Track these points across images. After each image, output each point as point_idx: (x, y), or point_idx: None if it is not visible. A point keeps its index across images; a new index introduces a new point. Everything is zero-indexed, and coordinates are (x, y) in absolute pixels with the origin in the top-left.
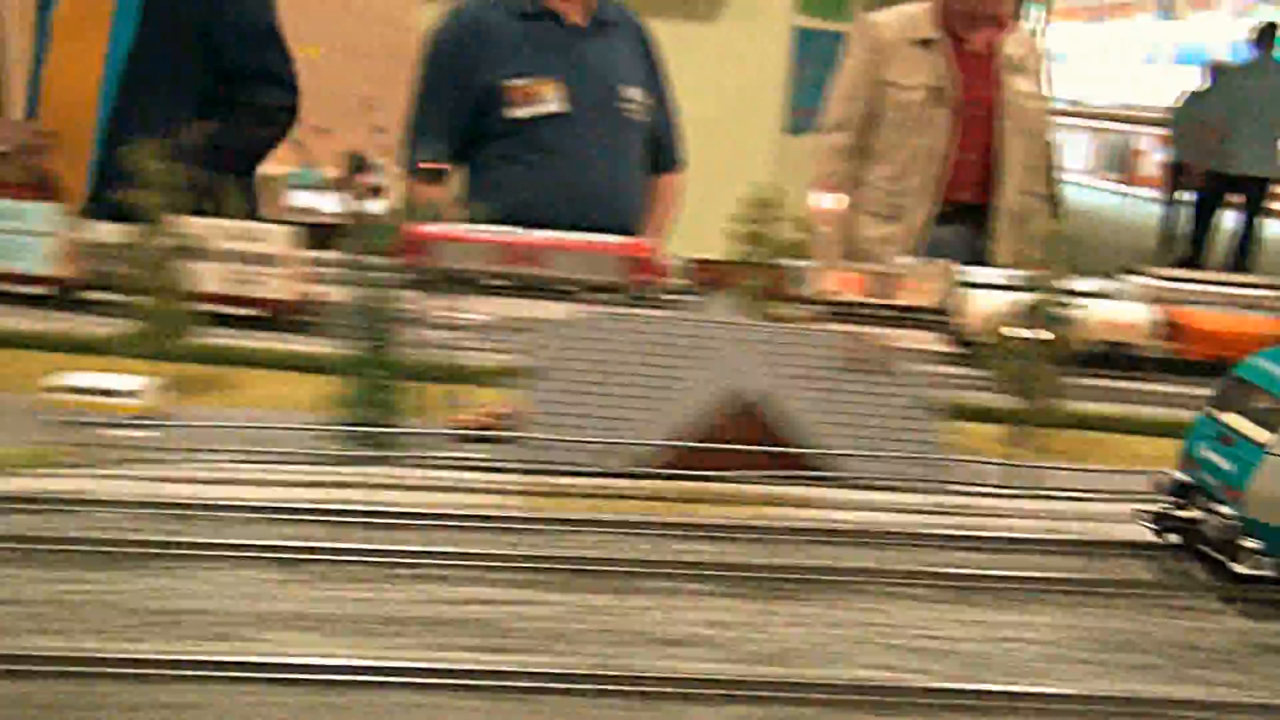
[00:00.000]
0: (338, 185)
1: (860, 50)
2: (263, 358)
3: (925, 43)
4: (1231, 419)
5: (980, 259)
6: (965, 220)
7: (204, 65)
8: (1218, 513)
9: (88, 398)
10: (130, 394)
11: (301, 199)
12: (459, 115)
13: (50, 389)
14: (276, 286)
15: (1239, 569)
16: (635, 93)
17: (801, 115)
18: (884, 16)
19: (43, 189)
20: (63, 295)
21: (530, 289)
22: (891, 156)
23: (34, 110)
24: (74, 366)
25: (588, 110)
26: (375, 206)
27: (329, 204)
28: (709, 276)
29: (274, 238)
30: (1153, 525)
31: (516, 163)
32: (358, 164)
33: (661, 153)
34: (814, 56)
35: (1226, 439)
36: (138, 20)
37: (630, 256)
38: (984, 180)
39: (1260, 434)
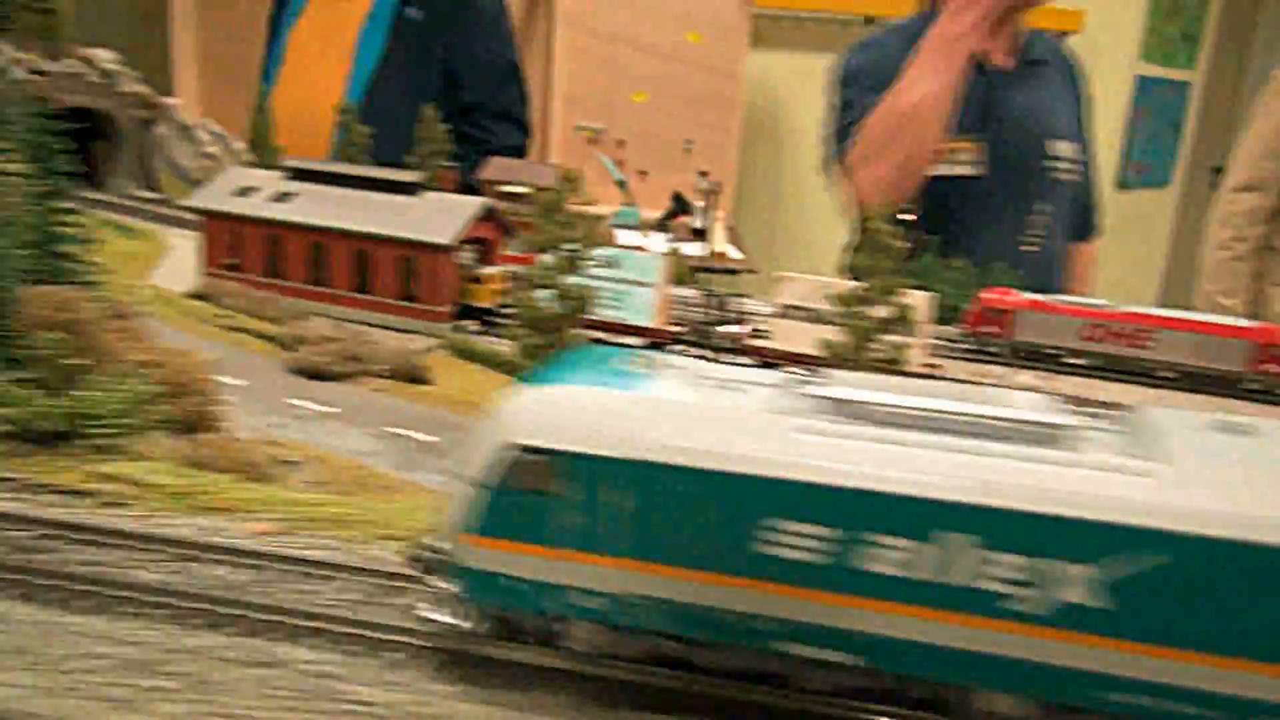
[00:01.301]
0: (659, 226)
1: (1278, 105)
2: None
3: None
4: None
5: None
6: None
7: (443, 98)
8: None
9: None
10: None
11: (624, 238)
12: None
13: None
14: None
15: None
16: (1065, 148)
17: (1135, 169)
18: None
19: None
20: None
21: (1121, 371)
22: None
23: (258, 125)
24: None
25: (1007, 172)
26: (694, 249)
27: (653, 244)
28: None
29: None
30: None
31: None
32: (679, 206)
33: (1085, 216)
34: (1155, 108)
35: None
36: (381, 51)
37: (1262, 343)
38: None
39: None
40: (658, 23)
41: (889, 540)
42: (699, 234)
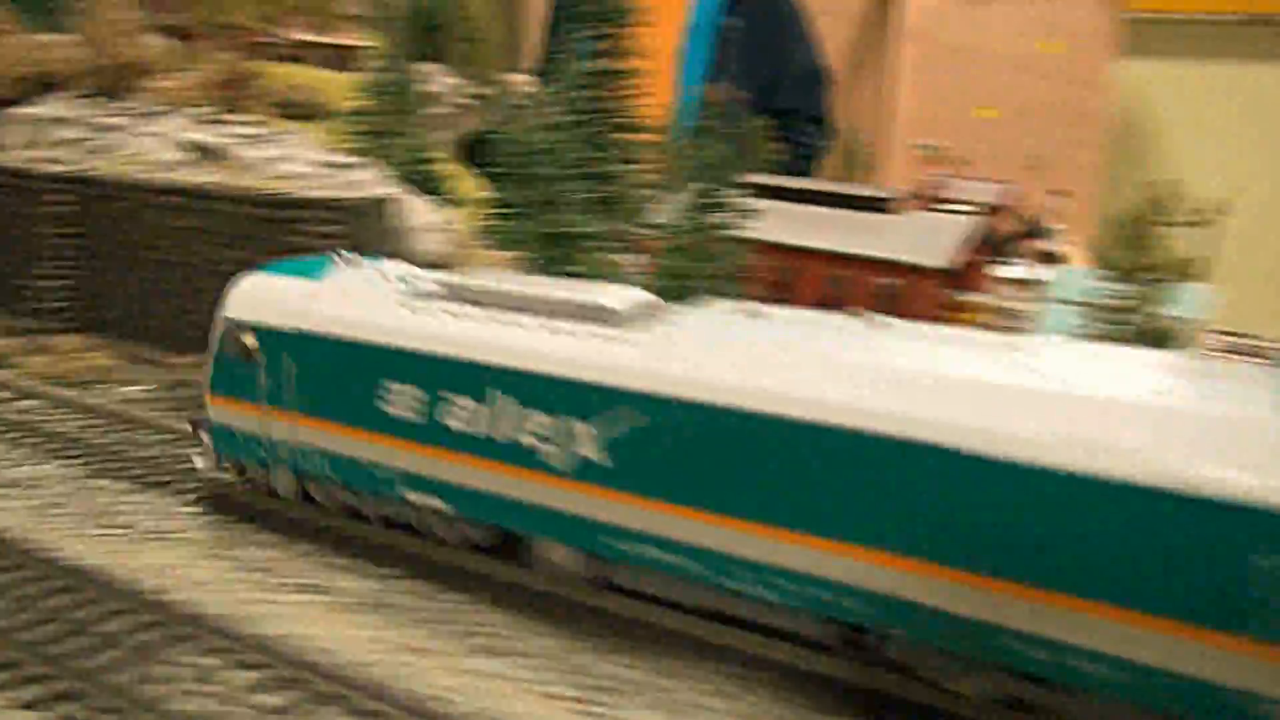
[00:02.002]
0: (1004, 248)
1: None
2: None
3: None
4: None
5: None
6: None
7: (760, 105)
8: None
9: None
10: None
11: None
12: None
13: None
14: None
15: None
16: None
17: None
18: None
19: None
20: None
21: None
22: None
23: None
24: None
25: None
26: (1047, 273)
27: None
28: None
29: None
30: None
31: None
32: (1032, 228)
33: None
34: None
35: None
36: (707, 60)
37: None
38: None
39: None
40: (1011, 33)
41: (458, 399)
42: (1050, 258)
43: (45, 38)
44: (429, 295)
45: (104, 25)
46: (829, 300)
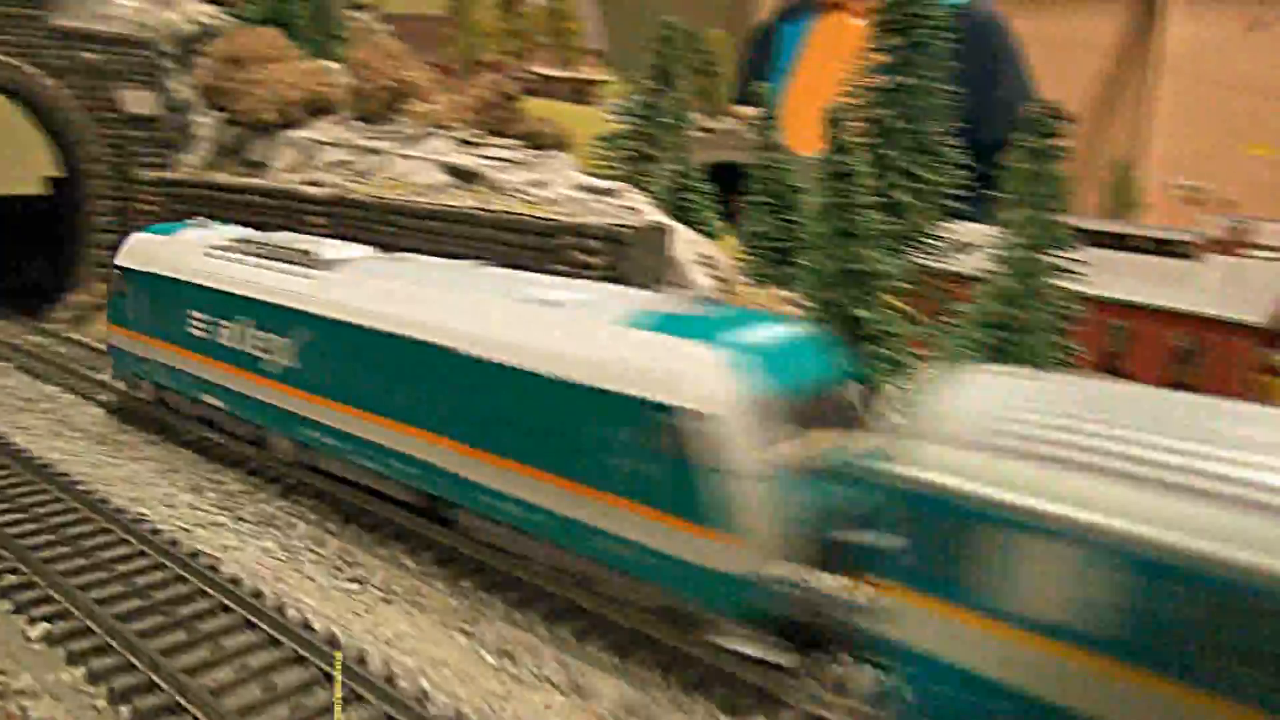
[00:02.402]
0: None
1: None
2: None
3: None
4: None
5: None
6: None
7: (962, 140)
8: None
9: None
10: None
11: None
12: None
13: None
14: None
15: None
16: None
17: None
18: None
19: None
20: None
21: None
22: None
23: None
24: None
25: None
26: None
27: None
28: None
29: None
30: None
31: None
32: None
33: None
34: None
35: None
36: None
37: None
38: None
39: None
40: None
41: (224, 323)
42: None
43: (318, 64)
44: (224, 248)
45: (371, 53)
46: (1107, 357)
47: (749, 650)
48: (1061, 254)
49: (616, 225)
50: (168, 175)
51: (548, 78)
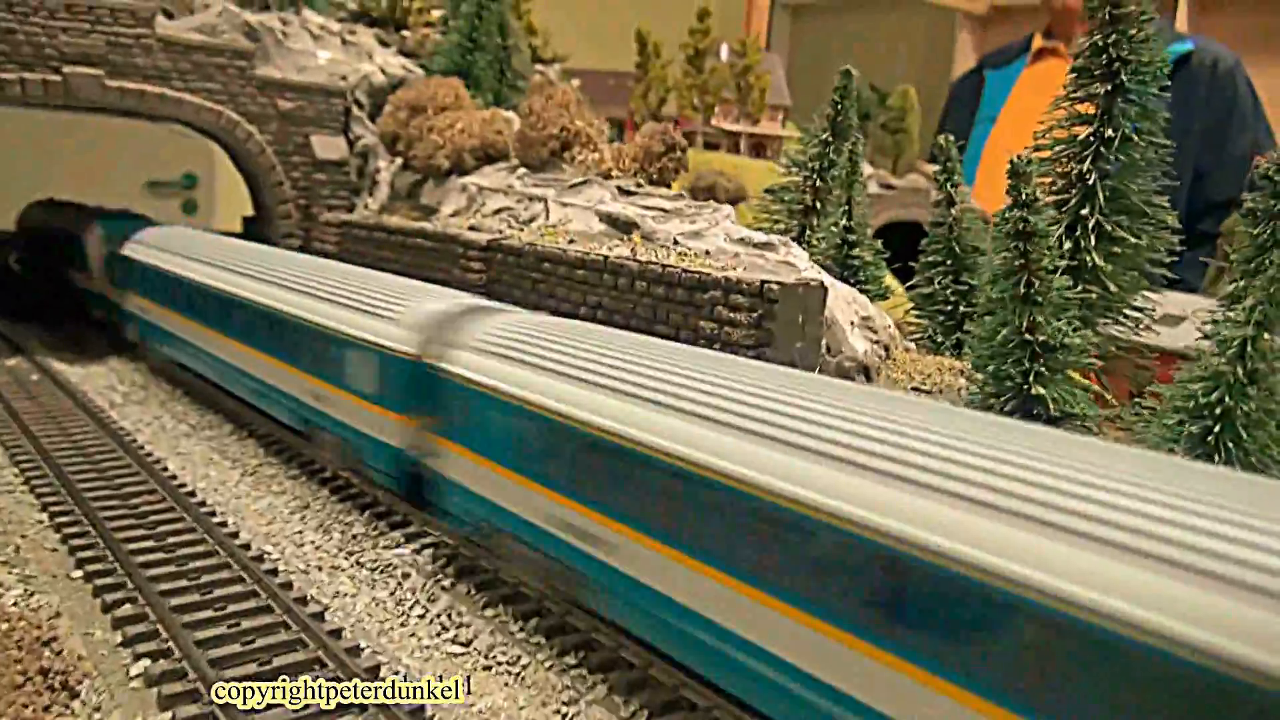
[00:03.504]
0: None
1: None
2: None
3: None
4: None
5: None
6: None
7: (1188, 198)
8: None
9: None
10: None
11: None
12: None
13: None
14: None
15: None
16: None
17: None
18: None
19: None
20: None
21: None
22: None
23: None
24: None
25: None
26: None
27: None
28: None
29: None
30: None
31: None
32: None
33: None
34: None
35: None
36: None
37: None
38: None
39: None
40: None
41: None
42: None
43: (494, 113)
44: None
45: (542, 102)
46: None
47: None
48: None
49: (765, 281)
50: (344, 216)
51: (730, 133)
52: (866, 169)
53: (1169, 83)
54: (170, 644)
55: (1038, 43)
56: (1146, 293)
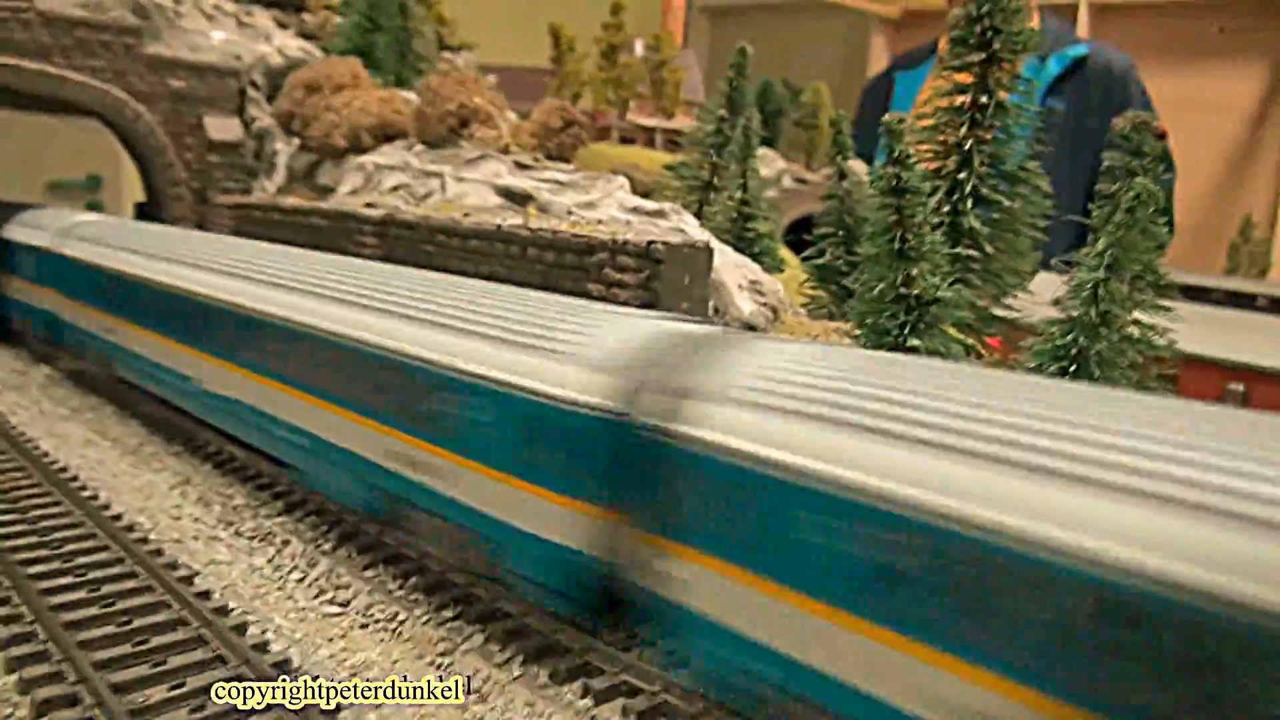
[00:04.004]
0: None
1: None
2: None
3: None
4: None
5: None
6: None
7: (1086, 190)
8: None
9: None
10: None
11: None
12: None
13: None
14: None
15: None
16: None
17: None
18: None
19: None
20: None
21: None
22: None
23: None
24: None
25: None
26: None
27: None
28: None
29: None
30: None
31: None
32: None
33: None
34: None
35: None
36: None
37: None
38: None
39: None
40: None
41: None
42: None
43: (392, 92)
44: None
45: (441, 80)
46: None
47: None
48: (1151, 287)
49: (651, 242)
50: (238, 199)
51: (645, 128)
52: (780, 164)
53: (1038, 52)
54: (23, 607)
55: (943, 46)
56: (1027, 261)
